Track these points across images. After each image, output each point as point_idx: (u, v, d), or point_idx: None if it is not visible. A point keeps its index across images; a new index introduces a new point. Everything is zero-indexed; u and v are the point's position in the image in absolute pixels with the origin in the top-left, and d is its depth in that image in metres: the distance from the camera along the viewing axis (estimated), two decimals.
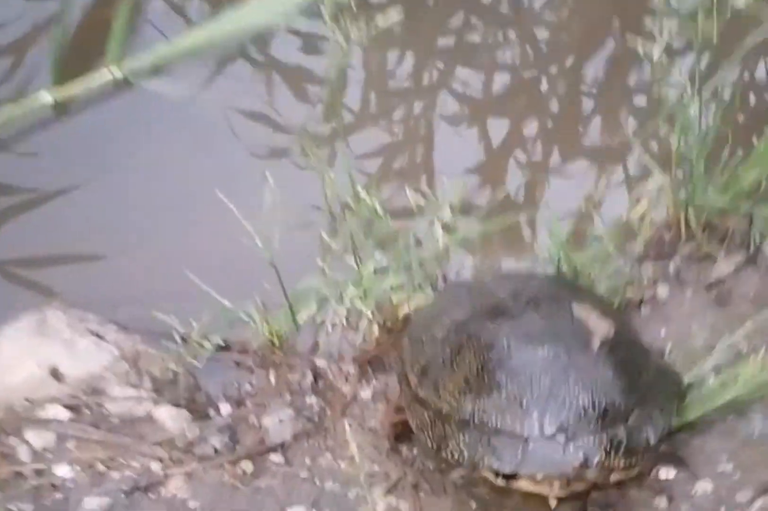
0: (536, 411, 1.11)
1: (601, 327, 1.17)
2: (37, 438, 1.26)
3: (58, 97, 1.64)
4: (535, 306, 1.19)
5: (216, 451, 1.28)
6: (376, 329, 1.40)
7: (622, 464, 1.11)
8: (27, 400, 1.28)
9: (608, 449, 1.10)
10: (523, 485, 1.13)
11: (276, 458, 1.28)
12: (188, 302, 1.34)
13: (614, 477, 1.13)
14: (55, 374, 1.29)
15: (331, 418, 1.33)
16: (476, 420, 1.14)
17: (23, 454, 1.25)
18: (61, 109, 1.66)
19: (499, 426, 1.12)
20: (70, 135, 1.65)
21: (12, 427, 1.27)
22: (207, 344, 1.32)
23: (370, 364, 1.39)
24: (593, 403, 1.12)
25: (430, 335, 1.24)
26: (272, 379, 1.38)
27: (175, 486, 1.24)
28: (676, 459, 1.18)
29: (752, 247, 1.44)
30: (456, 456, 1.14)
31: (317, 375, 1.38)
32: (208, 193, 1.51)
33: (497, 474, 1.15)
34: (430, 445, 1.18)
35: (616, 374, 1.14)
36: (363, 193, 1.31)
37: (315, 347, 1.43)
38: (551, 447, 1.10)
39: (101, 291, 1.48)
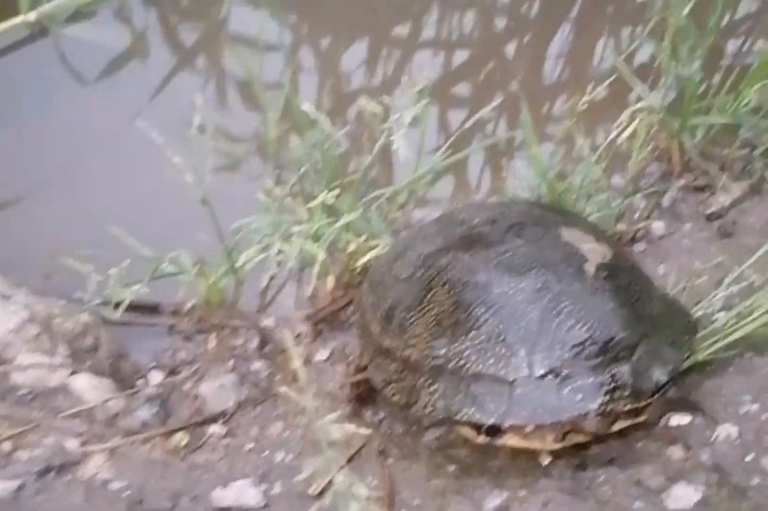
0: (523, 349, 0.92)
1: (595, 251, 0.98)
2: None
3: None
4: (517, 232, 0.99)
5: (144, 424, 1.08)
6: (330, 281, 1.21)
7: (627, 409, 0.92)
8: None
9: (611, 391, 0.91)
10: (509, 440, 0.95)
11: (216, 429, 1.09)
12: (110, 256, 1.13)
13: (617, 425, 0.95)
14: None
15: (282, 383, 1.14)
16: (452, 365, 0.95)
17: None
18: None
19: (479, 370, 0.93)
20: None
21: None
22: (128, 300, 1.11)
23: (324, 322, 1.20)
24: (590, 337, 0.93)
25: (393, 275, 1.05)
26: (212, 344, 1.19)
27: (96, 465, 1.04)
28: (688, 404, 1.00)
29: (755, 176, 1.27)
30: (429, 410, 0.95)
31: (264, 337, 1.19)
32: (131, 132, 1.35)
33: (478, 430, 0.96)
34: (398, 401, 0.99)
35: (616, 304, 0.95)
36: (310, 109, 1.12)
37: (260, 306, 1.24)
38: (542, 391, 0.91)
39: (11, 249, 1.29)
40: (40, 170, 1.37)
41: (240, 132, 1.40)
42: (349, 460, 1.04)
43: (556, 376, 0.91)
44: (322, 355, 1.17)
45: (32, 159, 1.37)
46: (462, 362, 0.94)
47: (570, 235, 1.00)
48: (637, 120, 1.19)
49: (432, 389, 0.96)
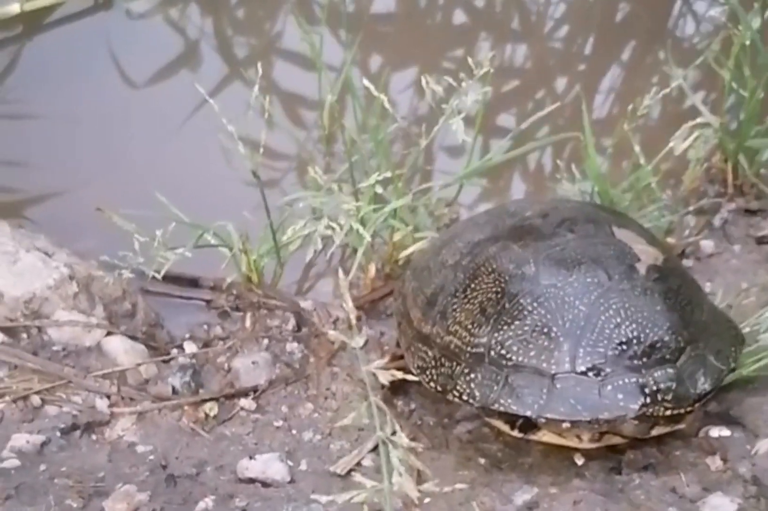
0: (567, 343, 0.90)
1: (648, 253, 0.97)
2: None
3: (28, 7, 1.46)
4: (569, 226, 0.98)
5: (175, 391, 1.07)
6: (372, 270, 1.20)
7: (667, 414, 0.91)
8: None
9: (653, 394, 0.90)
10: (544, 436, 0.94)
11: (246, 403, 1.07)
12: (154, 223, 1.12)
13: (656, 431, 0.93)
14: None
15: (315, 366, 1.13)
16: (492, 354, 0.93)
17: None
18: (33, 24, 1.48)
19: (520, 361, 0.91)
20: (36, 52, 1.47)
21: None
22: (171, 262, 1.09)
23: (362, 310, 1.19)
24: (637, 337, 0.91)
25: (438, 261, 1.03)
26: (248, 322, 1.18)
27: (123, 427, 1.03)
28: (728, 418, 0.98)
29: None
30: (465, 397, 0.93)
31: (301, 320, 1.18)
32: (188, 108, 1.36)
33: (512, 424, 0.95)
34: (434, 387, 0.97)
35: (665, 306, 0.93)
36: (369, 85, 1.11)
37: (299, 288, 1.24)
38: (583, 388, 0.89)
39: (55, 210, 1.29)
40: (89, 139, 1.38)
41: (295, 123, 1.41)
42: (377, 446, 1.02)
43: (599, 373, 0.90)
44: (357, 342, 1.15)
45: (82, 127, 1.37)
46: (503, 351, 0.93)
47: (622, 234, 0.98)
48: (694, 135, 1.18)
49: (470, 377, 0.94)
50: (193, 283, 1.21)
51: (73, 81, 1.44)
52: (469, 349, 0.95)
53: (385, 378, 0.85)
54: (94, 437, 1.02)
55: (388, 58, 1.51)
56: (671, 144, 1.15)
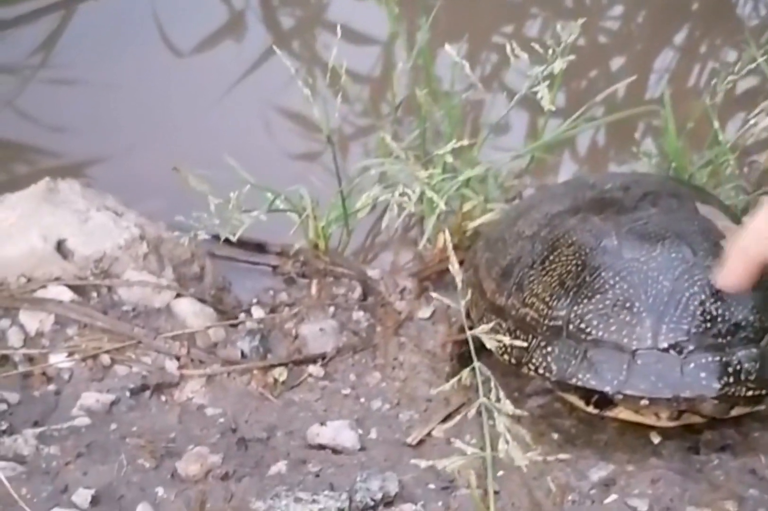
0: (649, 319, 0.88)
1: (731, 230, 0.94)
2: (33, 321, 1.05)
3: None
4: (652, 200, 0.96)
5: (243, 356, 1.07)
6: (441, 240, 1.18)
7: (749, 394, 0.89)
8: (24, 277, 1.07)
9: (735, 374, 0.88)
10: (621, 413, 0.92)
11: (314, 370, 1.07)
12: (225, 187, 1.12)
13: (735, 411, 0.91)
14: (62, 250, 1.07)
15: (382, 335, 1.12)
16: (571, 328, 0.91)
17: (14, 338, 1.04)
18: None
19: (600, 336, 0.89)
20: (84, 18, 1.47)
21: (4, 307, 1.05)
22: (246, 225, 1.08)
23: (429, 280, 1.18)
24: (721, 315, 0.89)
25: (514, 232, 1.01)
26: (314, 289, 1.17)
27: (192, 389, 1.03)
28: None
29: None
30: (541, 371, 0.92)
31: (367, 288, 1.16)
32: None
33: (588, 400, 0.93)
34: (508, 360, 0.96)
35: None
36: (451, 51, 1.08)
37: (367, 256, 1.23)
38: (664, 364, 0.87)
39: (124, 181, 1.28)
40: (151, 104, 1.37)
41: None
42: (448, 417, 1.02)
43: (681, 351, 0.88)
44: (424, 313, 1.14)
45: (140, 92, 1.36)
46: (582, 325, 0.91)
47: (705, 210, 0.96)
48: None
49: (547, 350, 0.92)
50: (260, 248, 1.20)
51: (120, 48, 1.43)
52: (546, 322, 0.93)
53: (492, 344, 0.84)
54: (163, 398, 1.01)
55: (437, 32, 1.49)
56: (752, 121, 1.13)
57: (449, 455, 0.88)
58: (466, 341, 1.07)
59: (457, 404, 1.03)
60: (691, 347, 0.88)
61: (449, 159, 1.13)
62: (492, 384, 0.83)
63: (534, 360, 0.93)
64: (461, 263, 1.18)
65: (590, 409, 0.94)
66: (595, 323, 0.90)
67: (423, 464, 0.81)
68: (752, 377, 0.89)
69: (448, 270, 1.18)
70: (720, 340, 0.89)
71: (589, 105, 1.21)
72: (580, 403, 0.95)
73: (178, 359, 1.04)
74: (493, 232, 1.07)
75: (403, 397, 1.04)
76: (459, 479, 0.92)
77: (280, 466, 0.92)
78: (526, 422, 1.00)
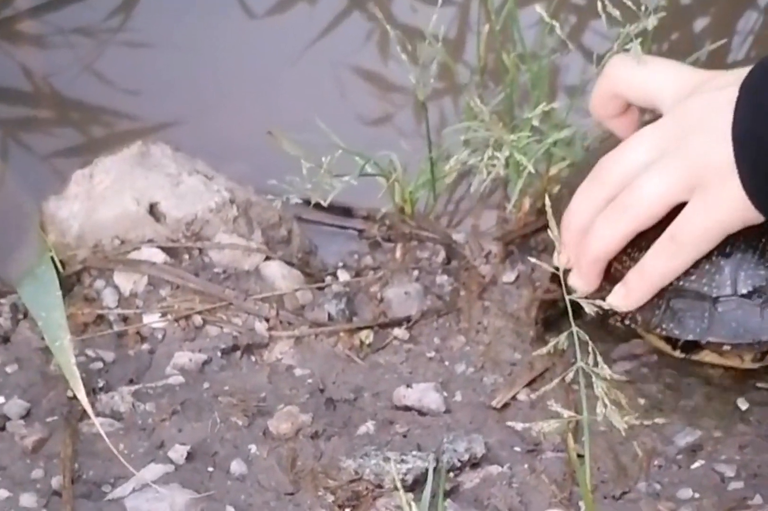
0: (728, 266, 0.89)
1: None
2: (127, 282, 1.07)
3: None
4: None
5: (330, 318, 1.08)
6: (526, 204, 1.18)
7: None
8: (118, 239, 1.10)
9: None
10: (706, 357, 0.94)
11: (399, 333, 1.08)
12: (314, 150, 1.13)
13: None
14: (154, 212, 1.10)
15: (466, 299, 1.13)
16: None
17: (109, 298, 1.07)
18: None
19: (681, 285, 0.90)
20: None
21: (99, 268, 1.08)
22: (338, 189, 1.09)
23: (514, 244, 1.18)
24: None
25: None
26: (398, 253, 1.18)
27: (281, 350, 1.05)
28: None
29: None
30: (627, 321, 0.94)
31: (451, 252, 1.17)
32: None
33: (675, 345, 0.95)
34: (592, 312, 0.94)
35: None
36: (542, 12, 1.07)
37: (451, 220, 1.23)
38: (745, 310, 0.89)
39: (211, 145, 1.30)
40: (230, 69, 1.38)
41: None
42: (532, 381, 1.02)
43: (761, 296, 0.89)
44: (508, 277, 1.15)
45: (218, 56, 1.37)
46: None
47: None
48: None
49: None
50: (347, 212, 1.21)
51: (199, 9, 1.43)
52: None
53: (591, 309, 0.84)
54: (253, 358, 1.04)
55: None
56: None
57: (534, 418, 0.89)
58: (550, 305, 1.10)
59: (542, 369, 1.03)
60: None
61: (536, 122, 1.13)
62: (590, 348, 0.84)
63: (619, 312, 0.95)
64: (543, 227, 1.19)
65: (677, 353, 0.96)
66: None
67: (518, 426, 0.83)
68: None
69: (532, 234, 1.19)
70: None
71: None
72: (667, 347, 0.96)
73: (267, 320, 1.06)
74: (577, 181, 1.07)
75: (487, 361, 1.05)
76: (544, 442, 0.93)
77: (368, 426, 0.94)
78: (612, 386, 1.00)
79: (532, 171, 1.07)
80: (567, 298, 0.87)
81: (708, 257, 0.89)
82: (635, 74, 0.95)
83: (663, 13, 1.04)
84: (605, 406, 0.81)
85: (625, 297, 0.91)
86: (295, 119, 1.20)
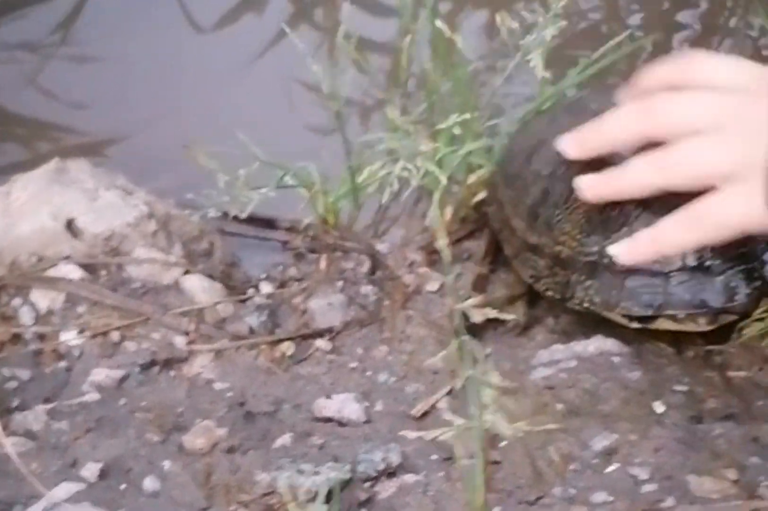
0: None
1: None
2: (44, 299, 1.06)
3: None
4: None
5: (252, 331, 1.08)
6: (448, 213, 1.19)
7: None
8: (36, 256, 1.08)
9: (760, 277, 0.94)
10: (663, 324, 0.98)
11: (322, 344, 1.08)
12: (234, 162, 1.12)
13: (763, 304, 0.96)
14: (72, 228, 1.09)
15: (390, 309, 1.12)
16: (606, 261, 0.96)
17: (26, 316, 1.05)
18: None
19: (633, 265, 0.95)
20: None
21: (15, 285, 1.07)
22: (254, 202, 1.09)
23: (438, 254, 1.18)
24: None
25: (532, 171, 1.04)
26: (323, 264, 1.18)
27: (201, 364, 1.04)
28: None
29: None
30: (587, 304, 0.98)
31: (376, 263, 1.17)
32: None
33: (631, 318, 0.98)
34: (552, 295, 1.02)
35: None
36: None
37: (376, 230, 1.23)
38: (695, 281, 0.94)
39: (136, 158, 1.29)
40: (164, 81, 1.38)
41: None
42: (453, 389, 1.02)
43: (708, 267, 0.93)
44: (432, 286, 1.15)
45: (153, 69, 1.37)
46: None
47: None
48: None
49: (587, 284, 0.98)
50: (270, 224, 1.21)
51: (140, 24, 1.43)
52: (581, 258, 0.98)
53: (478, 317, 0.85)
54: (172, 373, 1.03)
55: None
56: None
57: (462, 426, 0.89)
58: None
59: (463, 377, 1.03)
60: (717, 262, 0.94)
61: (457, 131, 1.13)
62: (478, 356, 0.84)
63: (577, 294, 0.99)
64: (469, 234, 1.20)
65: (634, 324, 0.99)
66: None
67: (414, 435, 0.83)
68: None
69: (456, 242, 1.20)
70: (741, 249, 0.94)
71: (582, 68, 1.19)
72: (624, 320, 0.99)
73: (186, 334, 1.05)
74: (509, 168, 1.10)
75: (410, 369, 1.05)
76: (463, 450, 0.93)
77: (286, 439, 0.94)
78: (531, 392, 1.01)
79: (444, 183, 1.08)
80: (456, 307, 0.87)
81: None
82: None
83: (563, 22, 1.06)
84: (493, 414, 0.81)
85: (627, 252, 0.92)
86: (224, 132, 1.19)
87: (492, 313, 0.85)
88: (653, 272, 0.94)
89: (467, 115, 1.08)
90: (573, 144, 0.96)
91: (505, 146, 1.14)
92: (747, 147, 0.86)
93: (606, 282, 0.96)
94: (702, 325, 0.96)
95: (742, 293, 0.94)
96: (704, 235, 0.89)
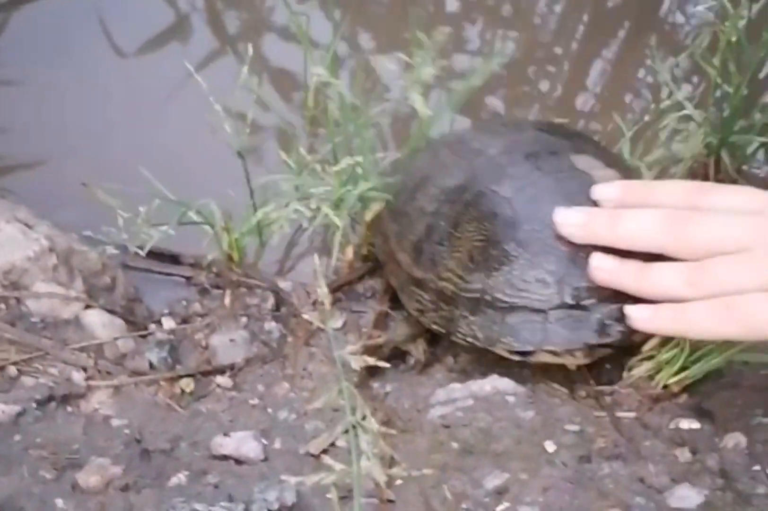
0: (554, 282, 0.97)
1: (606, 178, 1.01)
2: None
3: None
4: (534, 163, 1.02)
5: (152, 366, 1.08)
6: (350, 252, 1.20)
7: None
8: None
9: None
10: (542, 358, 1.01)
11: (223, 381, 1.08)
12: (136, 198, 1.12)
13: (637, 337, 0.99)
14: None
15: (293, 346, 1.13)
16: (487, 298, 1.00)
17: None
18: None
19: (514, 302, 0.99)
20: (25, 19, 1.46)
21: None
22: (155, 239, 1.09)
23: (341, 291, 1.19)
24: None
25: (416, 207, 1.07)
26: (227, 300, 1.18)
27: (99, 400, 1.03)
28: (699, 410, 1.00)
29: None
30: (470, 339, 1.01)
31: (280, 299, 1.18)
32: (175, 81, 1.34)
33: (511, 351, 1.01)
34: (436, 330, 1.05)
35: None
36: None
37: (280, 268, 1.24)
38: (573, 319, 0.97)
39: (36, 181, 1.28)
40: (74, 109, 1.37)
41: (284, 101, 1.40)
42: (353, 427, 1.03)
43: (584, 305, 0.97)
44: (336, 323, 1.16)
45: (67, 97, 1.36)
46: (497, 295, 0.99)
47: (581, 162, 1.03)
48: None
49: (470, 319, 1.01)
50: (174, 259, 1.21)
51: (60, 49, 1.43)
52: (464, 294, 1.01)
53: (357, 364, 0.86)
54: (69, 409, 1.02)
55: (376, 40, 1.51)
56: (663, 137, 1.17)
57: (350, 464, 0.90)
58: (374, 351, 1.11)
59: (362, 415, 1.04)
60: (593, 301, 0.98)
61: (359, 170, 1.15)
62: (358, 403, 0.86)
63: (461, 329, 1.02)
64: (372, 270, 1.21)
65: (515, 357, 1.02)
66: (507, 292, 0.99)
67: (297, 480, 0.83)
68: None
69: (359, 280, 1.21)
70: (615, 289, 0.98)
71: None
72: (504, 353, 1.02)
73: (85, 370, 1.05)
74: (395, 203, 1.12)
75: (311, 407, 1.05)
76: (355, 489, 0.94)
77: (181, 477, 0.94)
78: (427, 430, 1.02)
79: (339, 224, 1.09)
80: (336, 354, 0.89)
81: (535, 274, 0.98)
82: None
83: (444, 61, 1.09)
84: (368, 459, 0.83)
85: (646, 319, 0.94)
86: (129, 167, 1.19)
87: (371, 360, 0.87)
88: (532, 309, 0.98)
89: (359, 158, 1.10)
90: (579, 228, 0.96)
91: (393, 182, 1.17)
92: None
93: (488, 318, 1.00)
94: (579, 358, 1.00)
95: (616, 329, 0.97)
96: (733, 331, 0.87)
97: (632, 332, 0.97)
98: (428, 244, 1.04)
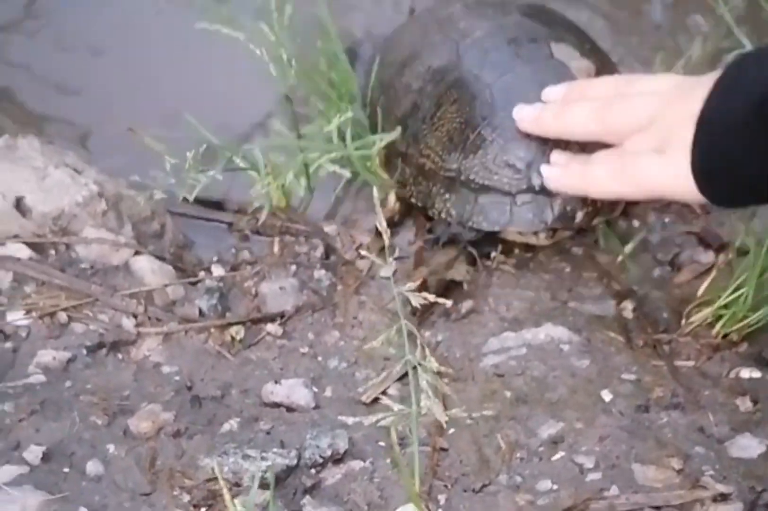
0: (524, 166, 1.03)
1: (581, 69, 1.05)
2: None
3: None
4: (516, 50, 1.07)
5: (201, 314, 1.07)
6: (392, 197, 1.17)
7: (606, 209, 1.06)
8: None
9: (592, 202, 1.04)
10: (509, 236, 1.09)
11: (273, 329, 1.07)
12: (183, 144, 1.10)
13: (596, 220, 1.06)
14: (20, 207, 1.07)
15: (342, 294, 1.12)
16: (462, 178, 1.07)
17: None
18: None
19: (486, 184, 1.05)
20: None
21: None
22: (202, 184, 1.07)
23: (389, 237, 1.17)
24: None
25: (403, 83, 1.13)
26: (276, 248, 1.17)
27: (149, 347, 1.03)
28: (760, 359, 0.97)
29: None
30: (444, 215, 1.08)
31: (329, 248, 1.16)
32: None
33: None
34: (414, 202, 1.12)
35: None
36: None
37: (329, 214, 1.22)
38: (539, 201, 1.03)
39: (84, 128, 1.27)
40: (116, 62, 1.35)
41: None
42: (404, 375, 1.02)
43: (549, 191, 1.02)
44: (386, 272, 1.14)
45: (108, 50, 1.34)
46: (471, 176, 1.06)
47: (559, 52, 1.07)
48: None
49: (445, 197, 1.08)
50: (220, 206, 1.19)
51: (96, 5, 1.41)
52: (442, 173, 1.08)
53: (417, 301, 0.84)
54: (119, 356, 1.01)
55: None
56: None
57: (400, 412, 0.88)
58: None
59: (413, 363, 1.03)
60: None
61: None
62: (418, 342, 0.85)
63: (437, 205, 1.10)
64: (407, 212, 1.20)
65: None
66: (481, 173, 1.06)
67: (357, 420, 0.82)
68: None
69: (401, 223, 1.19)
70: None
71: None
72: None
73: (135, 316, 1.04)
74: (384, 74, 1.15)
75: (361, 355, 1.04)
76: (410, 436, 0.93)
77: (232, 423, 0.93)
78: (480, 379, 1.01)
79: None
80: (395, 291, 0.87)
81: (506, 159, 1.03)
82: None
83: None
84: (429, 398, 0.81)
85: (557, 177, 1.00)
86: (173, 114, 1.17)
87: (431, 297, 0.86)
88: (503, 191, 1.04)
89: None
90: (532, 122, 1.02)
91: (381, 50, 1.20)
92: (672, 128, 0.88)
93: (461, 197, 1.06)
94: (542, 240, 1.08)
95: (578, 214, 1.03)
96: (627, 190, 0.92)
97: (591, 216, 1.03)
98: (412, 121, 1.10)
